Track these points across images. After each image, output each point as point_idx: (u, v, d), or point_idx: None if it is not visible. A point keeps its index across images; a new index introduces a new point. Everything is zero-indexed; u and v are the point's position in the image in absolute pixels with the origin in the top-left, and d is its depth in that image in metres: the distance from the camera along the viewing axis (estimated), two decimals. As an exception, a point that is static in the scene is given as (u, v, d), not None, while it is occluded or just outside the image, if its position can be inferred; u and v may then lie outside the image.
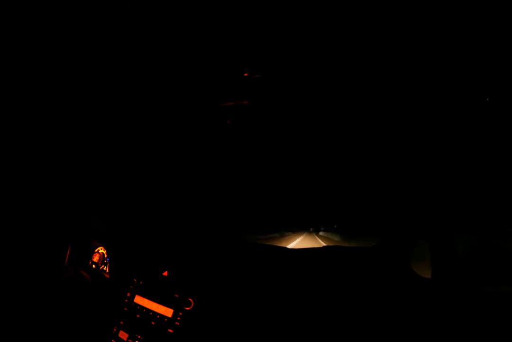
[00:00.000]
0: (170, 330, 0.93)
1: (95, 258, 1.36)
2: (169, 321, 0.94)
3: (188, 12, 0.74)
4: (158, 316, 0.97)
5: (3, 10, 0.76)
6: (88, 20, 0.77)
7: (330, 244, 1.75)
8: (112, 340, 1.04)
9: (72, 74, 1.00)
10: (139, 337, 0.98)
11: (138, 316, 1.02)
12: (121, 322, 1.05)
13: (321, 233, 1.99)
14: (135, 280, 1.11)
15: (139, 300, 1.05)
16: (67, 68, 0.96)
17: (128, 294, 1.09)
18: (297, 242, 1.97)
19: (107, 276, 1.29)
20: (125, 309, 1.07)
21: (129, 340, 1.00)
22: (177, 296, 0.98)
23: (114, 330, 1.06)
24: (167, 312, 0.96)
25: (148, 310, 1.00)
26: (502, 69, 0.77)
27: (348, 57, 0.87)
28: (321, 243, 1.85)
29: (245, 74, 0.99)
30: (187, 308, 0.93)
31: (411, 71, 0.86)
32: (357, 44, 0.81)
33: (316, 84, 1.02)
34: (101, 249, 1.38)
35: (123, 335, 1.02)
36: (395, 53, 0.82)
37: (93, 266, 1.37)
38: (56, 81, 1.02)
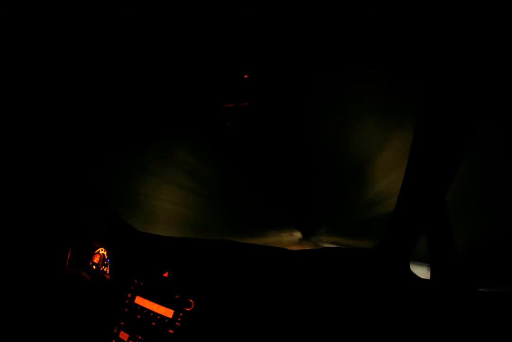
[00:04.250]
0: (171, 331, 0.93)
1: (96, 259, 1.37)
2: (170, 321, 0.95)
3: (188, 15, 0.74)
4: (158, 317, 0.98)
5: (3, 10, 0.76)
6: (89, 21, 0.77)
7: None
8: (113, 341, 1.05)
9: (72, 75, 1.00)
10: (139, 337, 0.99)
11: (138, 316, 1.02)
12: (122, 323, 1.06)
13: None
14: (135, 281, 1.11)
15: (139, 300, 1.06)
16: (68, 68, 0.97)
17: (129, 295, 1.10)
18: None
19: (108, 277, 1.29)
20: (126, 309, 1.07)
21: (130, 341, 1.00)
22: (177, 297, 0.98)
23: (115, 330, 1.06)
24: (168, 312, 0.97)
25: (149, 311, 1.01)
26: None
27: (348, 59, 0.87)
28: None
29: (245, 76, 0.99)
30: (188, 309, 0.94)
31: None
32: (356, 47, 0.82)
33: (316, 86, 1.03)
34: (102, 250, 1.39)
35: (123, 335, 1.03)
36: (392, 55, 0.82)
37: (94, 267, 1.37)
38: (58, 82, 1.02)
